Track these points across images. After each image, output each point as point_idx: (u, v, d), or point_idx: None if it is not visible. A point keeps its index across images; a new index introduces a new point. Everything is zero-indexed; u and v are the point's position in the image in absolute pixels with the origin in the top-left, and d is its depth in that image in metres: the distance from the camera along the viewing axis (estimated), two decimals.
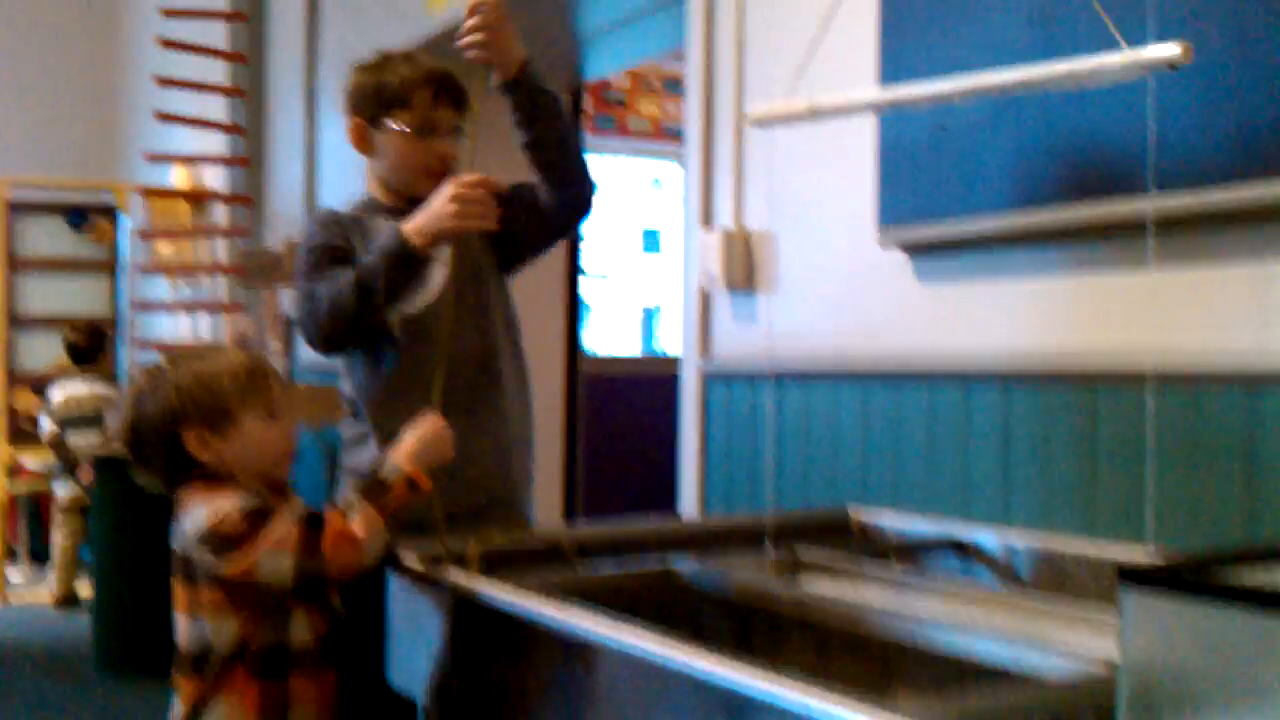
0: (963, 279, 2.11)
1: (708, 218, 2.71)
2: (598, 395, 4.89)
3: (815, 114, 1.76)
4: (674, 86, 6.52)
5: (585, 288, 4.77)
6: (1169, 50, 1.30)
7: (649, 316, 16.68)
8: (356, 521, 1.66)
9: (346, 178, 4.57)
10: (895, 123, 2.16)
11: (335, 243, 2.00)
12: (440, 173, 2.01)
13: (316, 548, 1.64)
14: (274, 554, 1.65)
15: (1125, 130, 1.75)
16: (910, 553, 2.00)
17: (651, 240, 9.14)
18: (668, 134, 6.66)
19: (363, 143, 2.08)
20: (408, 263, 1.90)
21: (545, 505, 4.14)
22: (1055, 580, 1.80)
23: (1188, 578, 0.98)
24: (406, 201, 2.03)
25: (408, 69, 2.03)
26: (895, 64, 2.15)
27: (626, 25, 3.75)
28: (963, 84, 1.60)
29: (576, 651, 1.49)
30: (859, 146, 2.28)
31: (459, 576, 1.71)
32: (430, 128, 2.03)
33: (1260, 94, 1.60)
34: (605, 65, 4.54)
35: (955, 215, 2.04)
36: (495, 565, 1.78)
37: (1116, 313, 1.86)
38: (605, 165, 6.80)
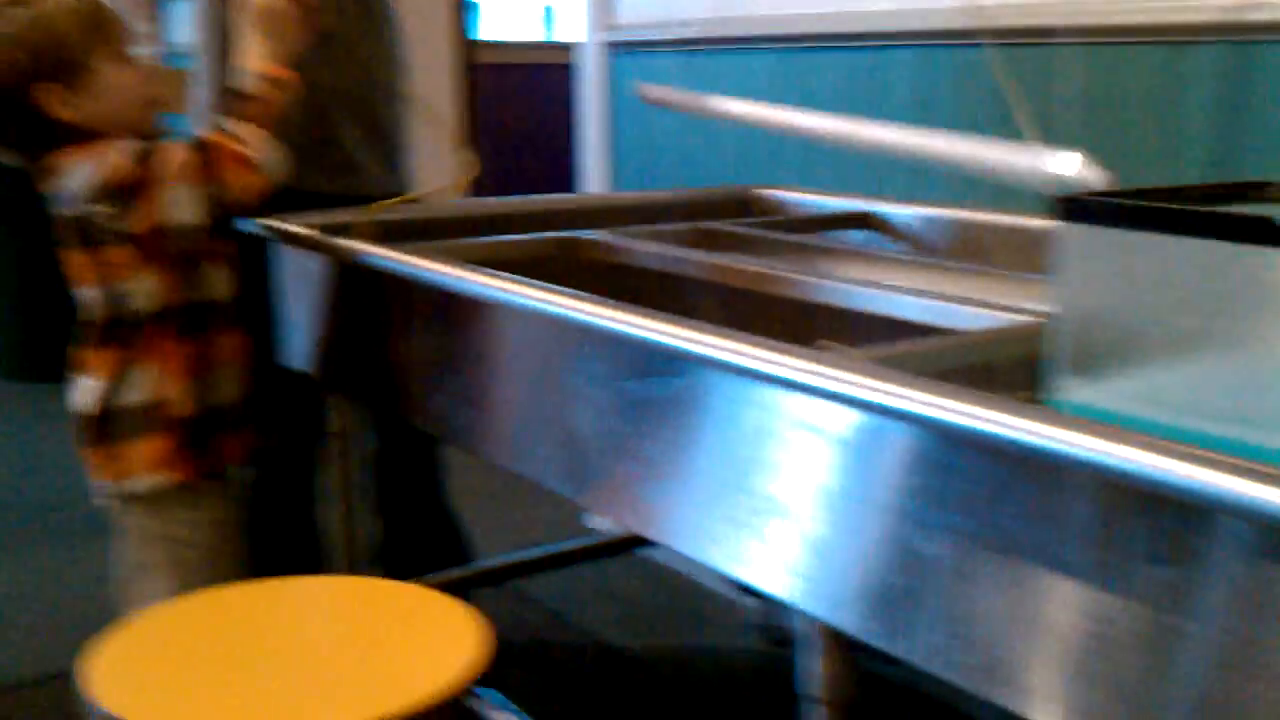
0: None
1: None
2: (494, 85, 4.68)
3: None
4: None
5: None
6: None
7: (547, 11, 16.14)
8: (241, 141, 1.55)
9: None
10: None
11: None
12: None
13: (216, 173, 1.53)
14: (178, 189, 1.53)
15: None
16: (818, 226, 1.93)
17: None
18: None
19: None
20: None
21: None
22: (975, 252, 1.76)
23: (1129, 206, 0.92)
24: None
25: None
26: None
27: None
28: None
29: (478, 314, 1.42)
30: None
31: (348, 242, 1.62)
32: None
33: None
34: None
35: None
36: (390, 237, 1.68)
37: None
38: None
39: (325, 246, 1.64)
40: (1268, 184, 1.07)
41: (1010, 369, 1.12)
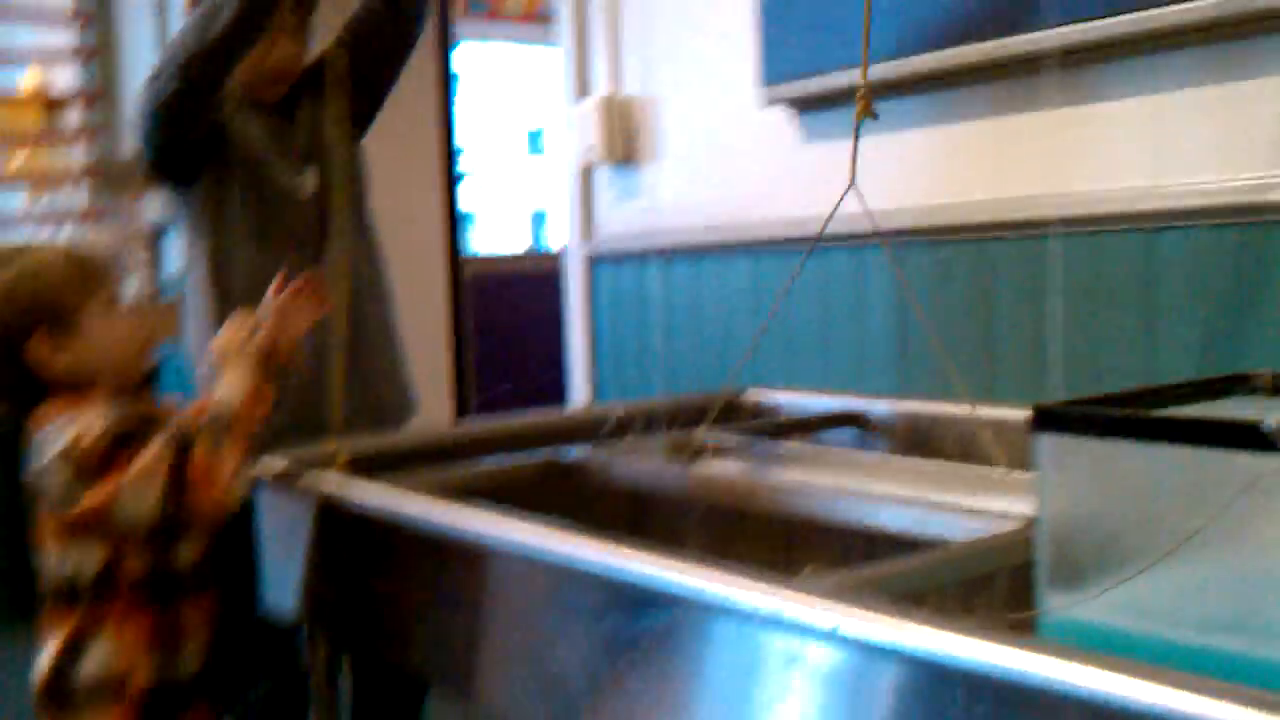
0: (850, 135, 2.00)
1: (584, 88, 2.56)
2: (484, 296, 4.74)
3: None
4: None
5: (466, 191, 4.59)
6: None
7: (537, 220, 16.58)
8: (220, 457, 1.50)
9: None
10: None
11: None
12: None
13: (183, 487, 1.47)
14: (139, 487, 1.47)
15: None
16: (807, 429, 1.90)
17: (536, 142, 8.93)
18: (545, 17, 6.42)
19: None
20: None
21: (436, 412, 4.01)
22: (960, 448, 1.72)
23: (1107, 416, 0.89)
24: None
25: None
26: None
27: None
28: None
29: (456, 551, 1.38)
30: (736, 2, 2.14)
31: (327, 480, 1.58)
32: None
33: None
34: None
35: (839, 67, 1.92)
36: (372, 468, 1.65)
37: (1011, 159, 1.76)
38: (482, 53, 6.54)
39: (299, 483, 1.61)
40: (1249, 375, 1.04)
41: (999, 581, 1.08)
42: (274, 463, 1.66)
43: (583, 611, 1.17)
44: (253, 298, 1.67)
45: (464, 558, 1.36)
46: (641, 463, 1.66)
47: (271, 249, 1.93)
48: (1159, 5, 1.51)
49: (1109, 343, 1.62)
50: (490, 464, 1.73)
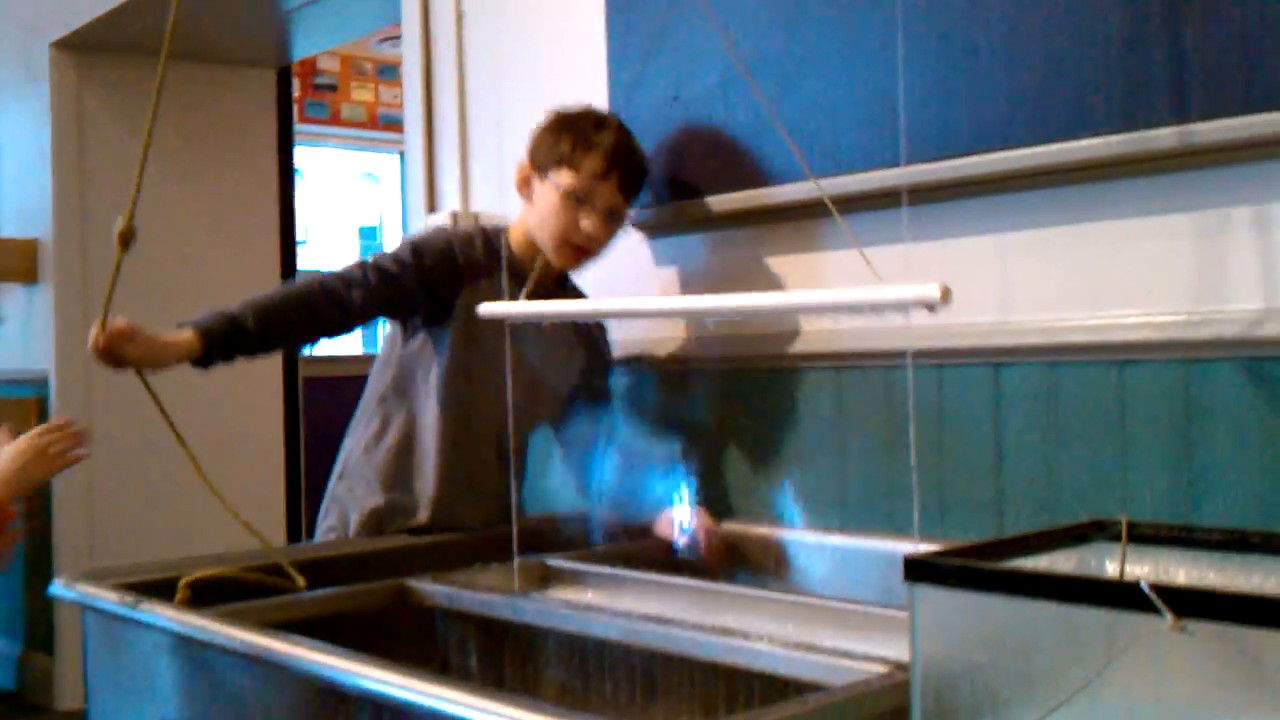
0: (693, 260, 2.04)
1: (433, 204, 2.54)
2: (321, 399, 4.62)
3: None
4: (387, 73, 6.26)
5: None
6: (929, 292, 1.22)
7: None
8: None
9: (26, 175, 4.15)
10: (626, 97, 2.05)
11: (399, 266, 1.89)
12: (578, 248, 1.90)
13: None
14: None
15: (867, 100, 1.69)
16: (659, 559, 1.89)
17: (369, 239, 8.82)
18: (383, 123, 6.40)
19: (524, 186, 1.95)
20: None
21: (268, 523, 3.86)
22: (856, 579, 1.73)
23: (982, 569, 0.90)
24: (532, 259, 1.92)
25: (594, 133, 1.89)
26: (623, 46, 2.05)
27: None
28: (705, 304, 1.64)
29: (285, 685, 1.31)
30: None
31: (159, 610, 1.50)
32: (585, 197, 1.86)
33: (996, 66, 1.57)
34: (313, 43, 4.28)
35: (689, 196, 1.96)
36: (215, 595, 1.59)
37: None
38: (318, 159, 6.48)
39: (135, 611, 1.52)
40: (1104, 522, 1.07)
41: None
42: (104, 592, 1.57)
43: None
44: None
45: (296, 693, 1.30)
46: (493, 590, 1.62)
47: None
48: (1003, 149, 1.57)
49: (957, 473, 1.65)
50: (337, 591, 1.66)
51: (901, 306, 1.15)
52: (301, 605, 1.64)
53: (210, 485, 1.67)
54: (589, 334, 2.05)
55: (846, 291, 1.25)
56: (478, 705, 1.02)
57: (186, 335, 1.74)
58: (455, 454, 1.93)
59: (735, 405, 1.97)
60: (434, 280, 1.90)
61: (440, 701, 1.05)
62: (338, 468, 2.05)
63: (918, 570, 0.92)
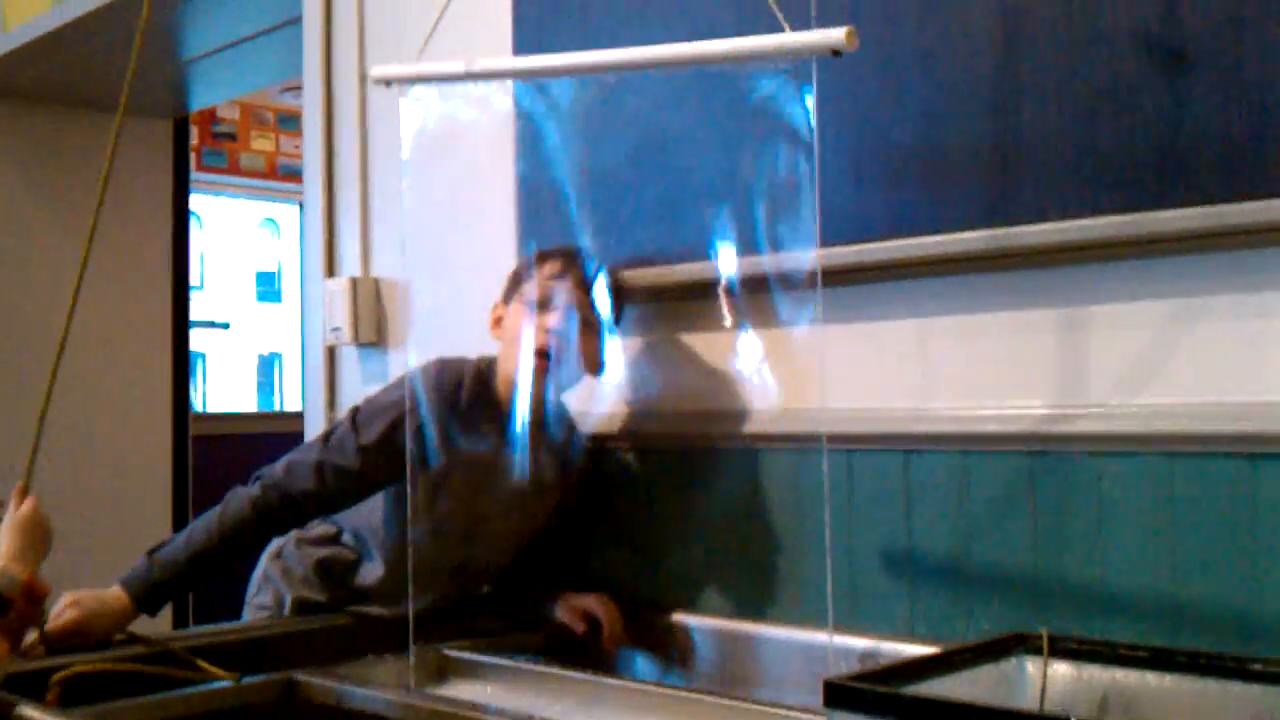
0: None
1: (332, 267, 2.46)
2: (213, 456, 4.47)
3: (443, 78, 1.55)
4: (288, 122, 6.15)
5: (198, 338, 4.38)
6: (834, 35, 1.17)
7: (268, 365, 16.09)
8: None
9: None
10: (534, 166, 2.01)
11: (367, 466, 1.76)
12: (540, 351, 1.74)
13: None
14: None
15: (781, 182, 1.67)
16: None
17: (268, 285, 8.67)
18: (283, 173, 6.28)
19: (495, 325, 1.85)
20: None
21: None
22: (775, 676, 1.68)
23: (901, 695, 0.86)
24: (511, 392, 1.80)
25: (550, 250, 1.82)
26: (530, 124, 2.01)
27: (235, 50, 3.44)
28: (608, 56, 1.45)
29: None
30: (498, 189, 2.11)
31: (30, 712, 1.39)
32: (545, 299, 1.76)
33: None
34: (212, 94, 4.19)
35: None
36: (91, 691, 1.50)
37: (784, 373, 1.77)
38: (216, 207, 6.34)
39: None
40: (1025, 636, 1.04)
41: None
42: None
43: None
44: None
45: None
46: (383, 685, 1.54)
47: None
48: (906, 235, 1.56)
49: (867, 559, 1.62)
50: (219, 687, 1.57)
51: (803, 54, 1.11)
52: (183, 702, 1.54)
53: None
54: (566, 476, 1.91)
55: (746, 41, 1.22)
56: None
57: (123, 603, 1.68)
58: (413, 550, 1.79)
59: (648, 486, 1.92)
60: (404, 464, 1.74)
61: None
62: (273, 547, 1.95)
63: (838, 696, 0.87)
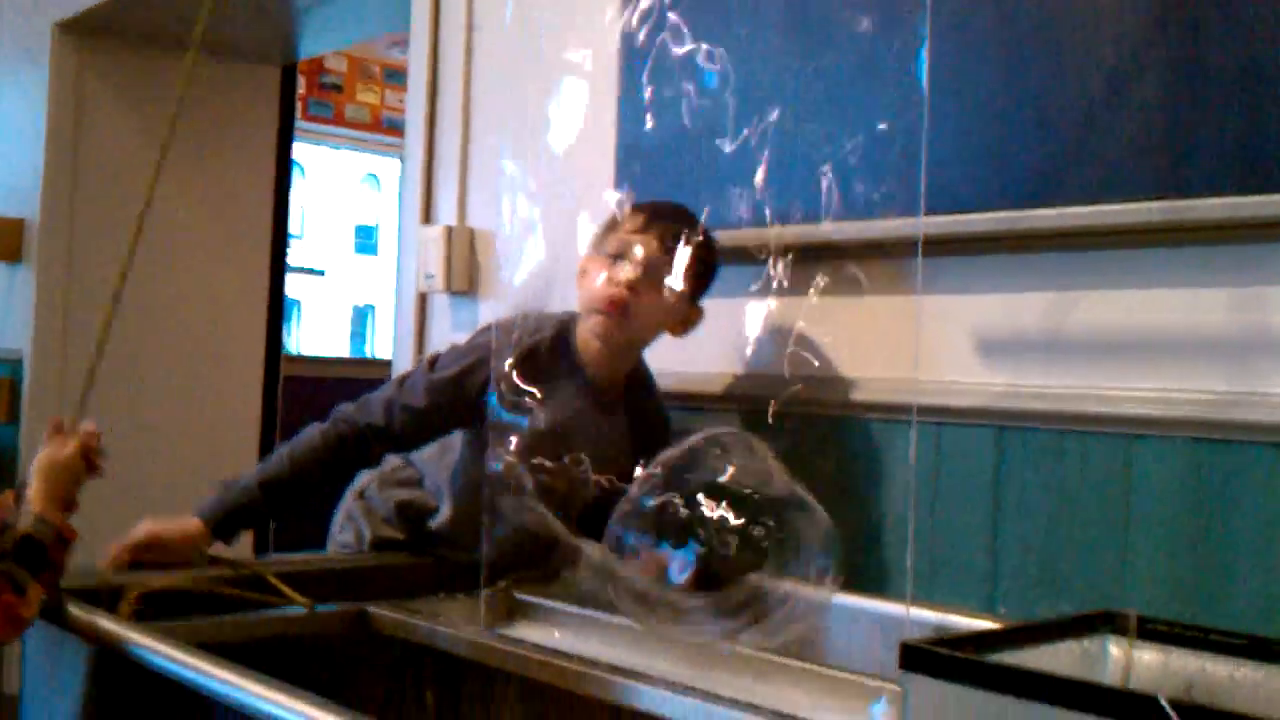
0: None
1: (428, 215, 2.47)
2: (301, 399, 4.54)
3: None
4: (395, 77, 6.20)
5: (294, 285, 4.44)
6: None
7: (361, 316, 16.31)
8: (28, 597, 1.38)
9: (18, 154, 4.08)
10: (634, 122, 1.99)
11: (432, 405, 1.76)
12: (612, 300, 1.71)
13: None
14: None
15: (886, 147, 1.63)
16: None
17: (366, 238, 8.78)
18: (387, 126, 6.33)
19: (581, 277, 1.80)
20: None
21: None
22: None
23: (977, 662, 0.83)
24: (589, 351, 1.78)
25: (647, 203, 1.78)
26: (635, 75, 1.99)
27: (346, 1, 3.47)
28: None
29: (225, 715, 1.24)
30: (593, 145, 2.10)
31: (101, 622, 1.42)
32: (622, 251, 1.72)
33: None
34: (321, 43, 4.23)
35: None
36: (167, 608, 1.52)
37: (859, 342, 1.74)
38: (320, 157, 6.42)
39: (74, 622, 1.44)
40: (1115, 614, 1.00)
41: None
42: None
43: None
44: None
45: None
46: (454, 622, 1.54)
47: None
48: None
49: (951, 539, 1.59)
50: (293, 612, 1.59)
51: None
52: (256, 625, 1.57)
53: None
54: (640, 434, 1.86)
55: None
56: None
57: (197, 527, 1.70)
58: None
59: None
60: (480, 407, 1.71)
61: None
62: (356, 486, 1.97)
63: (915, 659, 0.85)
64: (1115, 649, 0.98)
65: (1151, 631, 0.98)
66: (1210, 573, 1.35)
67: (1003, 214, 1.52)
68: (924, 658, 0.85)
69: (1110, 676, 0.97)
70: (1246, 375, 1.35)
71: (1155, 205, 1.38)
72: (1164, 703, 0.71)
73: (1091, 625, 0.98)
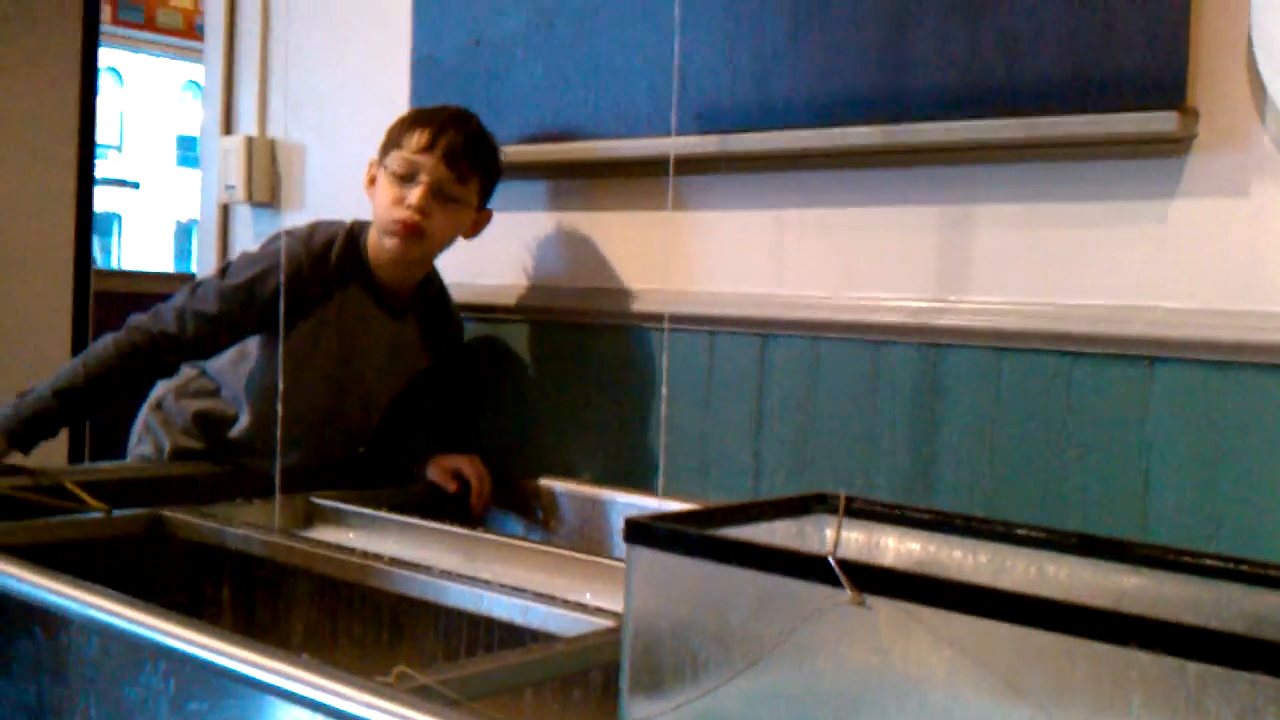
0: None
1: (229, 125, 2.47)
2: (119, 315, 4.45)
3: None
4: None
5: (110, 198, 4.33)
6: None
7: (186, 231, 15.82)
8: None
9: None
10: (429, 34, 2.03)
11: (224, 311, 1.80)
12: (403, 223, 1.76)
13: None
14: None
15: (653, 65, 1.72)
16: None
17: (189, 150, 8.52)
18: (200, 33, 6.13)
19: (370, 184, 1.84)
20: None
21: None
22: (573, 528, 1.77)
23: (691, 533, 0.94)
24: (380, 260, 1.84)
25: (428, 115, 1.80)
26: None
27: None
28: None
29: (30, 616, 1.28)
30: (390, 56, 2.13)
31: None
32: (410, 173, 1.76)
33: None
34: None
35: None
36: None
37: (637, 255, 1.83)
38: (139, 65, 6.20)
39: None
40: (826, 495, 1.12)
41: (594, 678, 1.11)
42: None
43: (159, 690, 1.12)
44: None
45: (28, 622, 1.27)
46: (249, 525, 1.60)
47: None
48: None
49: (719, 439, 1.71)
50: (90, 517, 1.62)
51: None
52: (53, 529, 1.60)
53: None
54: (435, 341, 1.96)
55: None
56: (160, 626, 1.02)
57: None
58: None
59: (530, 358, 1.99)
60: (272, 314, 1.74)
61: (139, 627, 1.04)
62: (152, 398, 2.00)
63: (635, 532, 0.95)
64: (827, 525, 1.09)
65: (859, 510, 1.10)
66: (922, 460, 1.50)
67: (758, 134, 1.62)
68: (644, 531, 0.94)
69: (817, 548, 1.08)
70: (953, 283, 1.50)
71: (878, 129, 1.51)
72: (832, 561, 0.82)
73: (806, 505, 1.09)
